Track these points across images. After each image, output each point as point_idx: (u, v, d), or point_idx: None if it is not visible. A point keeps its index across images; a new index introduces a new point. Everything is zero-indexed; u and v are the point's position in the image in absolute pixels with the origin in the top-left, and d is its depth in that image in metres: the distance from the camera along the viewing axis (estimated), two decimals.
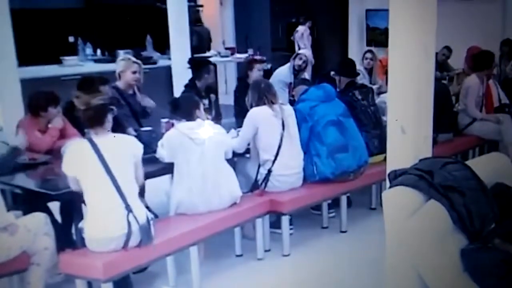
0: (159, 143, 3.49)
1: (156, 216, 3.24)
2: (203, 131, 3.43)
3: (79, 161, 2.93)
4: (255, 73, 4.94)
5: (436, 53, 3.57)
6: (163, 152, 3.46)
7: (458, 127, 5.24)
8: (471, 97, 5.18)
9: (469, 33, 7.04)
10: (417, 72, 2.88)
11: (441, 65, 6.52)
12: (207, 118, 3.89)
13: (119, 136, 3.07)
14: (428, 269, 2.40)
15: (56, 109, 3.81)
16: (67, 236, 3.39)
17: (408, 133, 2.89)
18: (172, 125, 3.78)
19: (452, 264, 2.43)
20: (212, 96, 4.75)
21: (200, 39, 7.71)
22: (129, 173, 3.00)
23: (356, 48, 8.91)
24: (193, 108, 3.50)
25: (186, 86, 4.74)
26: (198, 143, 3.38)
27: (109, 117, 2.98)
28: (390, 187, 2.69)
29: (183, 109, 3.50)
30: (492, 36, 6.70)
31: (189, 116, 3.46)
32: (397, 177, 2.71)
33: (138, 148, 3.05)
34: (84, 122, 3.01)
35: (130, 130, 4.03)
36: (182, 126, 3.42)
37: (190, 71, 4.82)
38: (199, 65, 4.81)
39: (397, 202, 2.56)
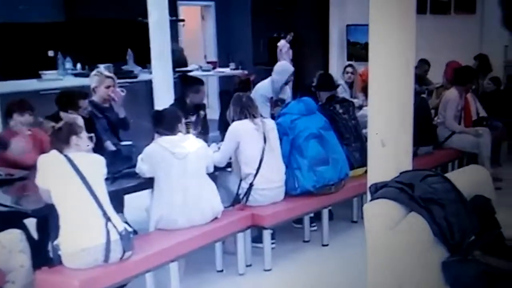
0: (139, 157, 3.46)
1: (135, 232, 3.19)
2: (184, 145, 3.40)
3: (53, 173, 2.90)
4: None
5: (416, 67, 3.63)
6: (143, 166, 3.42)
7: (438, 140, 5.30)
8: (450, 110, 5.25)
9: (447, 47, 7.16)
10: (397, 86, 2.90)
11: (420, 79, 6.60)
12: (191, 132, 3.88)
13: (91, 154, 3.07)
14: (410, 281, 2.39)
15: (23, 117, 3.72)
16: (43, 253, 3.30)
17: (389, 146, 2.90)
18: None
19: (434, 276, 2.43)
20: (202, 112, 4.74)
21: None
22: (105, 188, 2.98)
23: (337, 63, 9.00)
24: (175, 122, 3.47)
25: (175, 100, 4.74)
26: (179, 157, 3.35)
27: (75, 138, 2.96)
28: (371, 200, 2.69)
29: (165, 122, 3.46)
30: (469, 51, 6.82)
31: (171, 129, 3.43)
32: (378, 190, 2.72)
33: (105, 169, 3.05)
34: (51, 145, 3.05)
35: (108, 143, 3.99)
36: (162, 140, 3.39)
37: (171, 85, 4.81)
38: (188, 83, 4.81)
39: (378, 215, 2.56)
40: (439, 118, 5.40)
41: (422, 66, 6.77)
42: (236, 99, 3.92)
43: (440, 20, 7.80)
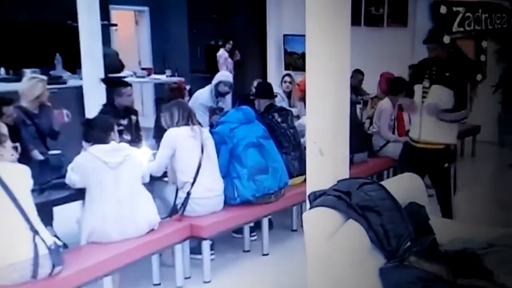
0: (69, 167, 3.30)
1: (65, 246, 3.03)
2: (118, 154, 3.28)
3: None
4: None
5: (350, 78, 3.71)
6: (74, 177, 3.26)
7: (373, 148, 5.44)
8: (384, 120, 5.41)
9: (380, 58, 7.39)
10: (333, 96, 2.94)
11: (355, 89, 6.77)
12: (125, 140, 3.75)
13: (15, 164, 2.89)
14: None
15: None
16: None
17: (326, 155, 2.92)
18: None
19: (372, 282, 2.46)
20: (133, 117, 4.60)
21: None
22: (31, 200, 2.81)
23: (275, 72, 9.08)
24: (108, 130, 3.35)
25: (105, 104, 4.59)
26: (112, 167, 3.22)
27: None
28: (310, 208, 2.70)
29: (96, 131, 3.32)
30: (402, 62, 7.07)
31: (103, 138, 3.30)
32: (316, 198, 2.73)
33: (31, 179, 2.87)
34: None
35: (36, 153, 3.78)
36: (94, 149, 3.25)
37: (103, 92, 4.66)
38: (111, 86, 4.66)
39: (317, 223, 2.58)
40: (374, 127, 5.54)
41: (357, 76, 6.95)
42: (172, 106, 3.83)
43: (374, 32, 8.06)
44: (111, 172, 3.21)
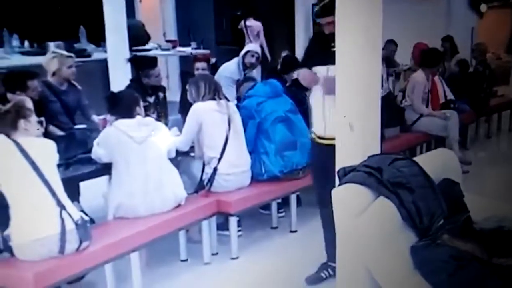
0: (95, 141, 3.30)
1: (92, 221, 3.04)
2: (143, 129, 3.25)
3: (0, 159, 2.73)
4: (199, 72, 4.79)
5: (382, 49, 3.52)
6: (100, 151, 3.26)
7: (405, 122, 5.30)
8: (417, 93, 5.25)
9: (414, 30, 7.16)
10: (364, 68, 2.83)
11: (388, 60, 6.58)
12: (150, 116, 3.73)
13: (41, 139, 2.90)
14: (379, 266, 2.35)
15: None
16: None
17: (357, 130, 2.84)
18: (110, 124, 3.61)
19: (403, 261, 2.40)
20: (160, 94, 4.56)
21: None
22: (58, 175, 2.82)
23: (303, 42, 8.87)
24: (133, 104, 3.33)
25: (131, 80, 4.56)
26: (138, 141, 3.21)
27: (23, 122, 2.77)
28: (340, 184, 2.63)
29: (121, 105, 3.31)
30: (437, 32, 6.84)
31: (128, 113, 3.28)
32: (346, 174, 2.66)
33: (57, 154, 2.88)
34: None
35: (52, 128, 3.78)
36: (120, 124, 3.23)
37: (128, 64, 4.61)
38: (138, 66, 4.60)
39: (346, 200, 2.51)
40: (406, 101, 5.39)
41: (389, 47, 6.75)
42: (198, 80, 3.79)
43: (408, 4, 7.80)
44: (137, 146, 3.21)
